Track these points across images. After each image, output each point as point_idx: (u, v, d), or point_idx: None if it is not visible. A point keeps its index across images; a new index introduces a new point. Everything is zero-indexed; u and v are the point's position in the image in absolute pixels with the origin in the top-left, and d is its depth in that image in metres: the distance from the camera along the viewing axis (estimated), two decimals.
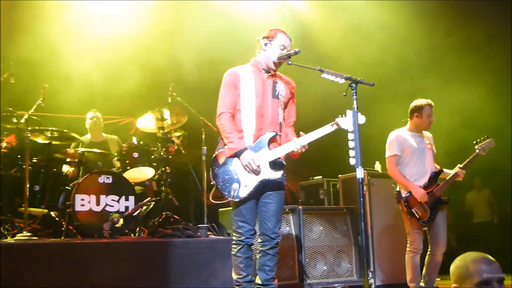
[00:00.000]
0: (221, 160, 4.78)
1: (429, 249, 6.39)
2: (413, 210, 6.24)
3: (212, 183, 4.81)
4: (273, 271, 4.84)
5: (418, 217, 6.22)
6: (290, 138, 4.94)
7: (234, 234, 4.85)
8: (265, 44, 5.00)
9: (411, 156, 6.38)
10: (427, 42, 9.72)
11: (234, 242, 4.84)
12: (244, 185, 4.70)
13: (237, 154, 4.72)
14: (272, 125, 4.90)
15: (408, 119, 6.56)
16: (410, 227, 6.35)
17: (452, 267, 3.05)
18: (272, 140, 4.85)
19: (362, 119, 4.56)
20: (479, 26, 9.48)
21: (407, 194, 6.28)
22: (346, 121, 4.74)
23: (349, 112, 4.66)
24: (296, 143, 4.76)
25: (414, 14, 9.38)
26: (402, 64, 9.74)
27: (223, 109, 4.87)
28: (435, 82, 9.57)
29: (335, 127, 4.79)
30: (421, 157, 6.38)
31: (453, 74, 9.55)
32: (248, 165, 4.66)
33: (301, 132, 4.84)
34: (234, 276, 4.84)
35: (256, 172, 4.69)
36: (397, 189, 6.44)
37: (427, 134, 6.60)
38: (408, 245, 6.41)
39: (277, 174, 4.78)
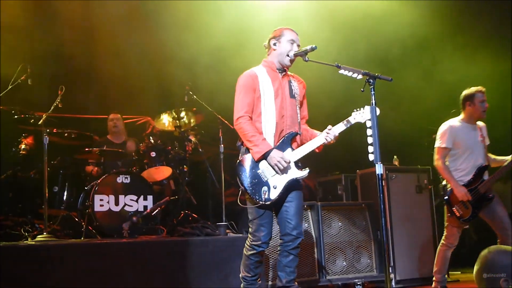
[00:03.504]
0: (247, 165, 4.70)
1: (498, 240, 6.04)
2: (453, 208, 6.07)
3: (241, 188, 4.73)
4: (295, 272, 4.80)
5: (458, 215, 6.05)
6: (313, 133, 4.94)
7: (250, 236, 4.80)
8: (274, 44, 4.94)
9: (463, 150, 6.16)
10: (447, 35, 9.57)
11: (248, 244, 4.81)
12: (273, 187, 4.66)
13: (264, 156, 4.65)
14: (292, 125, 4.86)
15: (461, 110, 6.33)
16: (450, 223, 6.20)
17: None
18: (293, 140, 4.81)
19: (377, 111, 4.49)
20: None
21: (449, 191, 6.12)
22: (361, 115, 4.71)
23: (366, 107, 4.64)
24: (330, 134, 4.70)
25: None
26: (418, 57, 9.66)
27: (241, 113, 4.76)
28: (456, 72, 9.38)
29: (354, 120, 4.74)
30: (473, 151, 6.15)
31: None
32: (278, 163, 4.60)
33: (329, 126, 4.77)
34: (242, 273, 4.87)
35: (286, 170, 4.65)
36: (444, 183, 6.27)
37: (480, 124, 6.34)
38: (443, 237, 6.29)
39: (304, 173, 4.72)
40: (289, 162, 4.66)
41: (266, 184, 4.66)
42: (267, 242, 4.79)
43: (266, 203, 4.65)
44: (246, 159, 4.73)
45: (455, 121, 6.30)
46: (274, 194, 4.65)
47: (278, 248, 4.87)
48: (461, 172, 6.16)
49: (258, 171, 4.69)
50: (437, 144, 6.27)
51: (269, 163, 4.65)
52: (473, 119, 6.26)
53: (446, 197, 6.15)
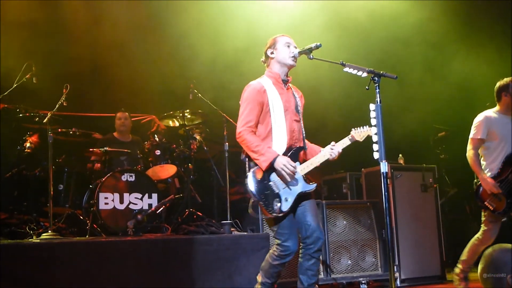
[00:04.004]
0: (258, 176, 4.65)
1: None
2: (485, 203, 5.97)
3: (252, 200, 4.72)
4: (317, 275, 4.76)
5: (492, 209, 5.93)
6: (313, 148, 4.96)
7: (278, 247, 4.71)
8: (272, 53, 4.90)
9: (498, 141, 6.06)
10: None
11: (276, 254, 4.71)
12: (285, 199, 4.64)
13: (271, 163, 4.59)
14: (299, 140, 4.87)
15: (496, 101, 6.23)
16: (486, 218, 6.09)
17: None
18: (299, 155, 4.80)
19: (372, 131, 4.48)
20: None
21: (479, 186, 6.03)
22: (360, 133, 4.81)
23: (362, 128, 4.82)
24: (334, 151, 4.77)
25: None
26: (425, 57, 9.61)
27: (244, 127, 4.69)
28: (462, 71, 9.32)
29: (352, 139, 4.85)
30: (508, 142, 6.04)
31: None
32: (284, 167, 4.55)
33: (332, 142, 4.82)
34: (263, 279, 4.81)
35: (293, 174, 4.62)
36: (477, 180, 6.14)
37: None
38: (480, 232, 6.15)
39: (312, 186, 4.76)
40: (295, 173, 4.64)
41: (278, 196, 4.64)
42: (294, 252, 4.72)
43: (280, 215, 4.63)
44: (257, 171, 4.67)
45: (491, 112, 6.21)
46: (286, 206, 4.63)
47: (300, 251, 4.81)
48: (497, 164, 6.05)
49: (269, 183, 4.66)
50: (471, 134, 6.17)
51: (276, 169, 4.61)
52: (510, 110, 6.17)
53: (478, 197, 6.06)
